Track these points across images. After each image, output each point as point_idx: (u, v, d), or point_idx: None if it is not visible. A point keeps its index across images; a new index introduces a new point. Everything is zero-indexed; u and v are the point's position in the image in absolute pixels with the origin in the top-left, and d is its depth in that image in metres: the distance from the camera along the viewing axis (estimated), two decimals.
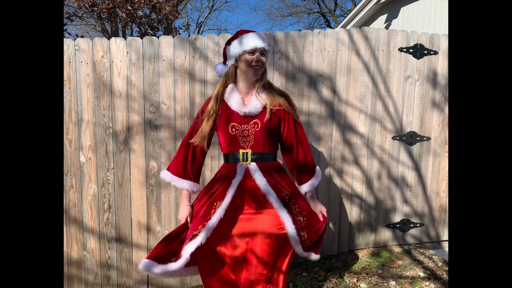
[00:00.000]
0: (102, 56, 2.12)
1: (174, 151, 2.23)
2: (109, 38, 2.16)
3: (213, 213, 1.58)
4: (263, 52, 1.59)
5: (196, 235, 1.55)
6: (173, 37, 2.20)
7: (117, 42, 2.13)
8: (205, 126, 1.65)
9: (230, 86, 1.67)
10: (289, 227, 1.57)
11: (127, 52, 2.14)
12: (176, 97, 2.21)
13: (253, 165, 1.63)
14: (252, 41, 1.57)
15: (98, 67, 2.13)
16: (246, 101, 1.65)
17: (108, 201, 2.22)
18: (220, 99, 1.68)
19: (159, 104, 2.20)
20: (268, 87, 1.70)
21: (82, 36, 9.67)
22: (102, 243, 2.24)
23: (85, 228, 2.22)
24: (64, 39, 2.11)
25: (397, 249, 2.70)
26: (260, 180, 1.60)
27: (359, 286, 2.25)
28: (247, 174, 1.62)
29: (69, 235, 2.21)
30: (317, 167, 1.80)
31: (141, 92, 2.18)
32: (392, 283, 2.27)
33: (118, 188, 2.22)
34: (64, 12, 9.43)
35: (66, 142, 2.15)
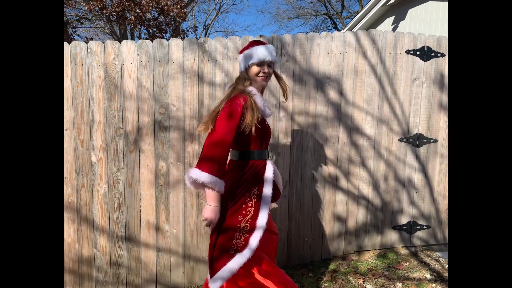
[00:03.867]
0: (114, 59, 2.17)
1: (183, 151, 2.27)
2: (119, 41, 2.21)
3: (254, 203, 1.64)
4: (270, 64, 1.72)
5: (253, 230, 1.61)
6: (183, 40, 2.24)
7: (128, 45, 2.18)
8: (256, 110, 1.62)
9: (253, 88, 1.71)
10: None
11: (138, 55, 2.19)
12: (185, 99, 2.25)
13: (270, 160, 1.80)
14: (259, 54, 1.69)
15: (109, 69, 2.18)
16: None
17: (118, 201, 2.27)
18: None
19: (169, 106, 2.24)
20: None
21: (91, 39, 9.81)
22: (112, 241, 2.29)
23: (95, 226, 2.27)
24: (77, 42, 2.16)
25: (403, 251, 2.71)
26: (278, 171, 1.85)
27: (365, 287, 2.26)
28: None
29: (80, 234, 2.26)
30: None
31: (151, 93, 2.22)
32: (399, 284, 2.28)
33: (128, 188, 2.27)
34: (74, 15, 9.58)
35: (78, 142, 2.20)
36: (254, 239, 1.58)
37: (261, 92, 1.83)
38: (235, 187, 1.63)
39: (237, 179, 1.65)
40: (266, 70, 1.69)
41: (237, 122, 1.57)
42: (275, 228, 1.81)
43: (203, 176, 1.51)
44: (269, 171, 1.70)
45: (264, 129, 1.72)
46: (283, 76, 2.37)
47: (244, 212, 1.62)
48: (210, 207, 1.55)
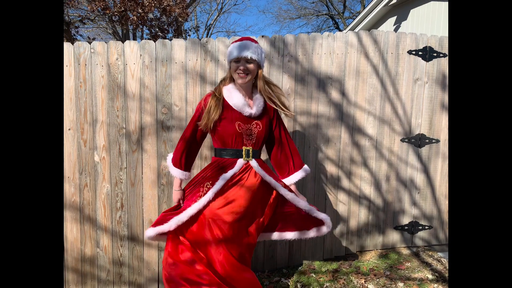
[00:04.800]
0: (117, 59, 2.19)
1: None
2: (121, 41, 2.22)
3: (203, 194, 1.73)
4: (249, 60, 1.71)
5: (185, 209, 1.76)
6: (185, 40, 2.25)
7: (131, 45, 2.19)
8: (214, 110, 1.73)
9: (231, 86, 1.79)
10: (305, 207, 1.87)
11: (141, 55, 2.20)
12: (187, 99, 2.26)
13: (254, 162, 1.79)
14: (235, 51, 1.71)
15: (112, 69, 2.19)
16: (249, 103, 1.79)
17: (120, 200, 2.28)
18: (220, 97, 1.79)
19: (171, 106, 2.25)
20: (273, 89, 1.84)
21: (93, 39, 9.84)
22: (114, 241, 2.30)
23: (98, 226, 2.28)
24: (80, 42, 2.18)
25: (405, 251, 2.71)
26: (263, 174, 1.80)
27: (367, 287, 2.27)
28: (248, 169, 1.78)
29: (83, 233, 2.28)
30: (305, 164, 1.99)
31: (153, 93, 2.23)
32: (400, 284, 2.28)
33: (131, 187, 2.28)
34: (76, 15, 9.61)
35: (81, 142, 2.21)
36: (172, 222, 1.71)
37: (260, 90, 1.80)
38: (198, 177, 1.83)
39: (201, 172, 1.84)
40: (242, 66, 1.70)
41: (193, 120, 1.81)
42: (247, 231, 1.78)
43: (168, 161, 1.89)
44: (231, 170, 1.73)
45: (232, 128, 1.73)
46: (285, 76, 2.38)
47: (195, 199, 1.76)
48: (173, 190, 1.87)
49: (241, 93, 1.77)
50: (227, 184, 1.73)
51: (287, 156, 1.91)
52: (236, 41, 1.77)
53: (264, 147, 1.95)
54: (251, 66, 1.71)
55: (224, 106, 1.75)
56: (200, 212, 1.72)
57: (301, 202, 1.86)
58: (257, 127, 1.78)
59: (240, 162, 1.76)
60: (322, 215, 1.89)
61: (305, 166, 1.97)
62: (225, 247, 1.69)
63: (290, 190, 1.89)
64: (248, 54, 1.68)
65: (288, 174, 1.92)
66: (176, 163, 1.84)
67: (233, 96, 1.75)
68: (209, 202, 1.71)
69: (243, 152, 1.76)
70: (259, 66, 1.76)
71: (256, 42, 1.78)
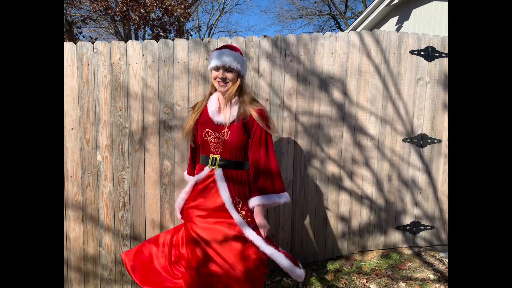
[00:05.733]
0: (119, 59, 2.19)
1: (188, 151, 2.29)
2: (124, 41, 2.23)
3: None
4: (228, 69, 1.70)
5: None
6: (187, 40, 2.25)
7: (133, 45, 2.20)
8: (189, 121, 1.86)
9: (214, 94, 1.83)
10: (249, 234, 1.65)
11: (143, 55, 2.21)
12: (189, 98, 2.27)
13: (218, 171, 1.74)
14: (214, 59, 1.72)
15: (115, 69, 2.20)
16: (222, 110, 1.78)
17: (123, 199, 2.29)
18: (203, 104, 1.85)
19: (173, 106, 2.26)
20: (246, 100, 1.75)
21: (96, 39, 9.86)
22: (117, 240, 2.31)
23: (101, 225, 2.29)
24: (83, 42, 2.19)
25: (407, 251, 2.71)
26: (221, 186, 1.71)
27: (369, 287, 2.27)
28: (212, 177, 1.77)
29: (85, 232, 2.29)
30: (284, 193, 1.74)
31: (156, 93, 2.24)
32: (402, 284, 2.28)
33: (133, 187, 2.29)
34: (78, 15, 9.64)
35: (84, 141, 2.22)
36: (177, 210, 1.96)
37: (225, 98, 1.74)
38: None
39: None
40: (220, 75, 1.70)
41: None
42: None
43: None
44: (196, 176, 1.81)
45: (199, 135, 1.79)
46: (287, 76, 2.38)
47: None
48: None
49: (219, 100, 1.79)
50: (196, 188, 1.81)
51: (259, 174, 1.72)
52: (217, 49, 1.77)
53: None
54: (230, 74, 1.70)
55: (202, 114, 1.82)
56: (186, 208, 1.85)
57: (248, 230, 1.65)
58: (224, 135, 1.72)
59: (206, 169, 1.78)
60: (267, 251, 1.63)
61: (272, 195, 1.71)
62: (188, 246, 1.73)
63: (247, 212, 1.72)
64: (227, 62, 1.67)
65: (253, 195, 1.74)
66: (187, 170, 2.08)
67: (209, 104, 1.80)
68: (186, 200, 1.86)
69: (210, 160, 1.76)
70: (239, 75, 1.73)
71: (238, 50, 1.76)
